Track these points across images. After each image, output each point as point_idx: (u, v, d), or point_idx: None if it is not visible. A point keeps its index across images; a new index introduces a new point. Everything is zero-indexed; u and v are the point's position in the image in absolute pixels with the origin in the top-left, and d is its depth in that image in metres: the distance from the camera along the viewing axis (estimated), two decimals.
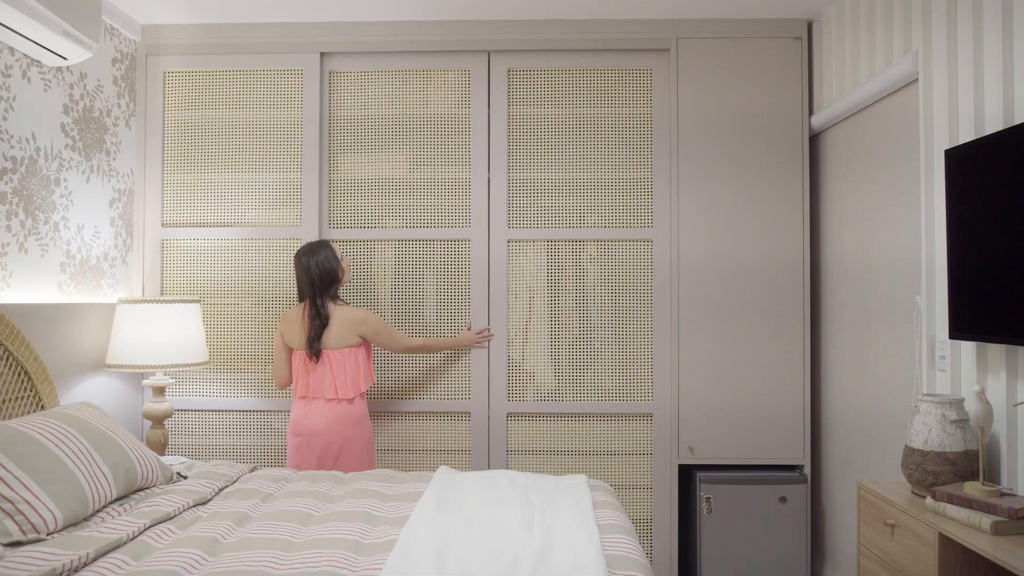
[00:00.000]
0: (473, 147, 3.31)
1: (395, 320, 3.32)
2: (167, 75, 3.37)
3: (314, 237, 3.29)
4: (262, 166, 3.36)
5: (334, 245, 3.00)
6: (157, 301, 2.96)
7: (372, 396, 3.30)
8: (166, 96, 3.37)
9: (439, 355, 3.31)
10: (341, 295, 3.14)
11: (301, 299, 2.95)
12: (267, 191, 3.35)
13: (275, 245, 3.33)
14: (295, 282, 2.97)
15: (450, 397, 3.31)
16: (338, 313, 2.89)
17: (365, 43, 3.31)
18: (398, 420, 3.31)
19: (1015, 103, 2.00)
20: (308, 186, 3.31)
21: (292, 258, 2.97)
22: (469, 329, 3.28)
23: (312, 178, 3.31)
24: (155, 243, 3.35)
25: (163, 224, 3.36)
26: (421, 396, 3.31)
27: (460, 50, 3.30)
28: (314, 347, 2.87)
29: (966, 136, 2.20)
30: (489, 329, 3.28)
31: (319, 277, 2.88)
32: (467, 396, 3.29)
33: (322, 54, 3.32)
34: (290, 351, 3.01)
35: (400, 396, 3.31)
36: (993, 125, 2.08)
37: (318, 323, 2.87)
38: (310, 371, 2.90)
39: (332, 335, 2.88)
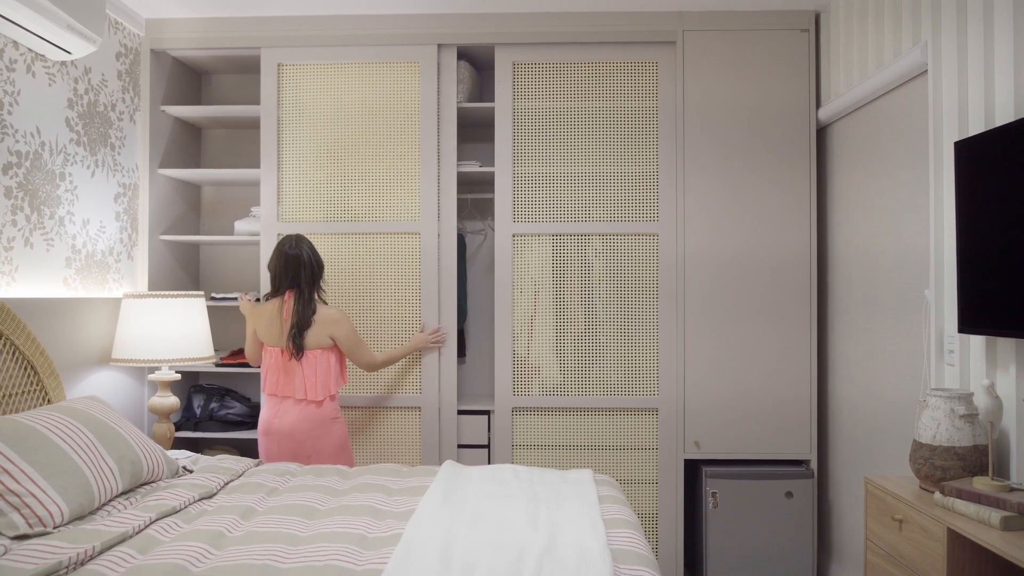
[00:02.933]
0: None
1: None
2: (282, 67, 3.36)
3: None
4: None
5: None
6: (162, 295, 2.96)
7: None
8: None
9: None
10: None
11: (279, 292, 2.85)
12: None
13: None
14: (273, 276, 2.86)
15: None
16: (317, 311, 2.84)
17: (319, 36, 3.28)
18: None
19: None
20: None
21: (274, 250, 2.88)
22: (422, 331, 3.24)
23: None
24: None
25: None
26: (413, 391, 3.30)
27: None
28: (298, 342, 2.79)
29: (976, 128, 2.18)
30: (441, 328, 3.24)
31: (317, 267, 2.85)
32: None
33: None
34: (261, 345, 2.95)
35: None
36: (1003, 116, 2.06)
37: (309, 312, 2.79)
38: (281, 369, 2.84)
39: (309, 334, 2.82)
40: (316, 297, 2.85)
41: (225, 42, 3.33)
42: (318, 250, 2.92)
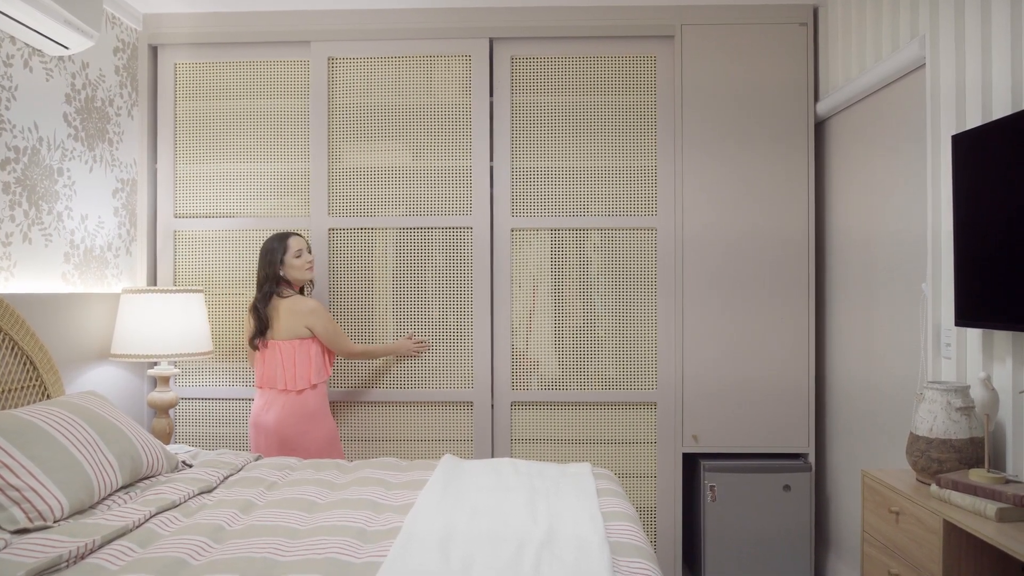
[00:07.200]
0: (475, 135, 3.29)
1: (396, 310, 3.31)
2: (177, 66, 3.36)
3: (322, 226, 3.30)
4: (267, 156, 3.35)
5: (296, 240, 2.95)
6: (161, 291, 2.96)
7: (373, 385, 3.30)
8: (177, 86, 3.37)
9: (442, 344, 3.30)
10: (308, 289, 3.14)
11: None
12: (274, 180, 3.35)
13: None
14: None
15: (453, 386, 3.31)
16: (286, 304, 2.89)
17: (358, 31, 3.29)
18: (399, 409, 3.32)
19: (1023, 87, 1.98)
20: (316, 174, 3.31)
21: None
22: (410, 338, 3.27)
23: (321, 167, 3.30)
24: (165, 233, 3.36)
25: (175, 215, 3.37)
26: (423, 386, 3.31)
27: (461, 37, 3.28)
28: (253, 343, 2.93)
29: (973, 121, 2.19)
30: (425, 339, 3.28)
31: (267, 263, 2.92)
32: (471, 385, 3.29)
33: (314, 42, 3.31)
34: None
35: (401, 386, 3.31)
36: (1001, 110, 2.06)
37: (257, 318, 2.90)
38: (261, 361, 2.93)
39: (281, 327, 2.89)
40: (276, 297, 2.90)
41: (221, 37, 3.32)
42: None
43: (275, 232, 3.07)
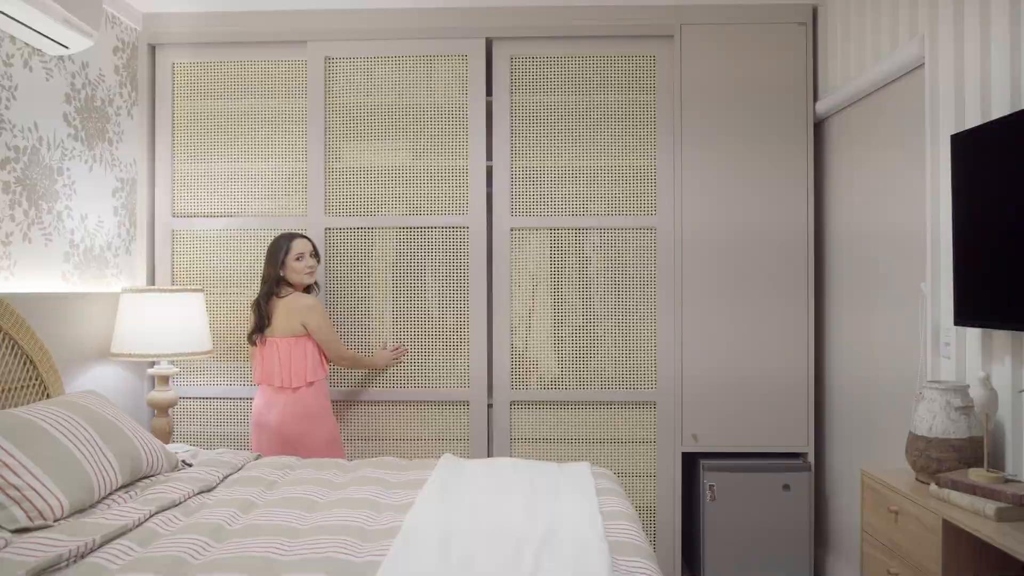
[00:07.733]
0: (472, 135, 3.29)
1: (394, 309, 3.31)
2: (176, 65, 3.36)
3: (319, 226, 3.30)
4: (265, 155, 3.35)
5: (301, 244, 2.95)
6: (161, 290, 2.97)
7: (372, 384, 3.30)
8: (175, 86, 3.37)
9: (440, 343, 3.30)
10: (316, 288, 3.12)
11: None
12: (271, 180, 3.35)
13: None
14: None
15: (450, 385, 3.31)
16: (284, 302, 2.91)
17: (355, 31, 3.29)
18: (398, 409, 3.32)
19: (1023, 87, 1.98)
20: (314, 174, 3.31)
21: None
22: (384, 347, 3.27)
23: (317, 166, 3.30)
24: (163, 232, 3.36)
25: (173, 215, 3.37)
26: (421, 385, 3.31)
27: (458, 37, 3.28)
28: (251, 338, 2.96)
29: (973, 121, 2.19)
30: (403, 345, 3.28)
31: (267, 263, 2.95)
32: (467, 385, 3.29)
33: (308, 41, 3.31)
34: None
35: (399, 385, 3.31)
36: (1000, 109, 2.06)
37: (258, 315, 2.94)
38: (260, 357, 2.95)
39: (278, 323, 2.91)
40: (275, 298, 2.92)
41: (220, 36, 3.32)
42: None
43: (284, 231, 3.09)
